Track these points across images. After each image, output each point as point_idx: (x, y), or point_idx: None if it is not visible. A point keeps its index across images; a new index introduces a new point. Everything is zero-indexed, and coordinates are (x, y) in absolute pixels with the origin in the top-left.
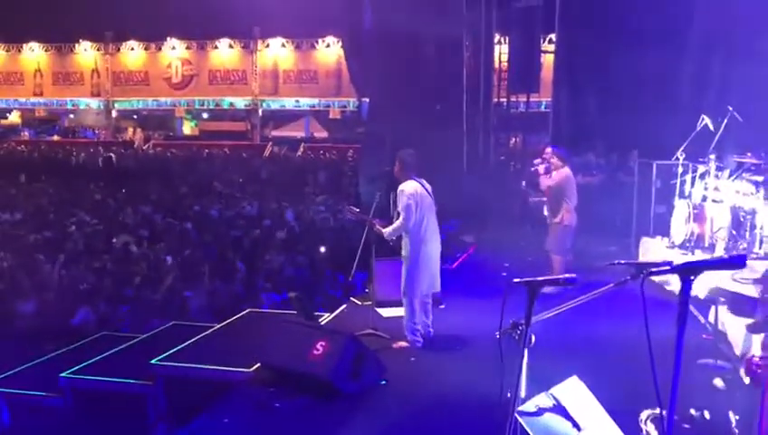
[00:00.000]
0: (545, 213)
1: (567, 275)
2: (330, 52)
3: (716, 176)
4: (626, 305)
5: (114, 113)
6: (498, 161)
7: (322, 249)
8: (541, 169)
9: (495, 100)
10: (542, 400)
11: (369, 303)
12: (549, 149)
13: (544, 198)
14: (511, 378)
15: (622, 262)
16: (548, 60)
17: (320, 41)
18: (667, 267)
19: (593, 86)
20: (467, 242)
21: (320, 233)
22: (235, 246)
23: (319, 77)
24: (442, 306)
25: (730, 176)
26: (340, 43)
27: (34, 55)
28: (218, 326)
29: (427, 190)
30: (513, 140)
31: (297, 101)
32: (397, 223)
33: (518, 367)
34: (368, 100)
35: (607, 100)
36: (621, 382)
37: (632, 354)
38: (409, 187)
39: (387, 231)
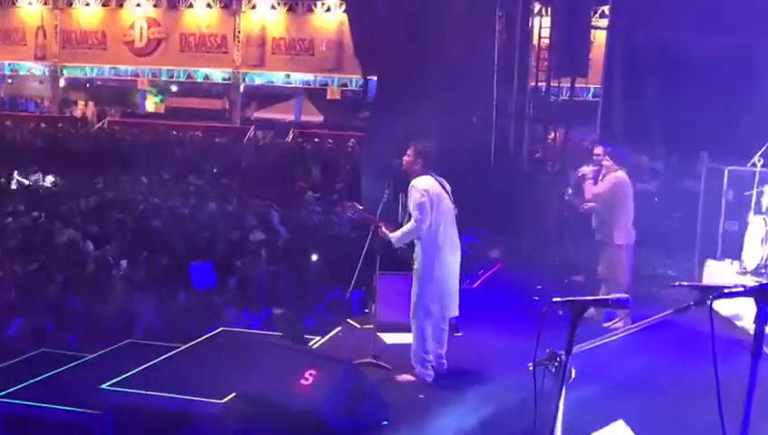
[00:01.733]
0: (594, 226)
1: (618, 296)
2: (330, 17)
3: None
4: (686, 338)
5: (62, 82)
6: (533, 160)
7: (314, 257)
8: (587, 171)
9: (533, 84)
10: None
11: (370, 326)
12: (600, 149)
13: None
14: (545, 420)
15: (684, 284)
16: (599, 37)
17: (318, 3)
18: (741, 289)
19: (654, 71)
20: (492, 258)
21: (311, 238)
22: (205, 250)
23: (315, 48)
24: (459, 334)
25: None
26: (344, 7)
27: None
28: (184, 347)
29: (446, 190)
30: (553, 134)
31: (287, 76)
32: (407, 226)
33: (554, 407)
34: (375, 78)
35: (671, 89)
36: (677, 429)
37: (691, 396)
38: (424, 182)
39: (395, 236)
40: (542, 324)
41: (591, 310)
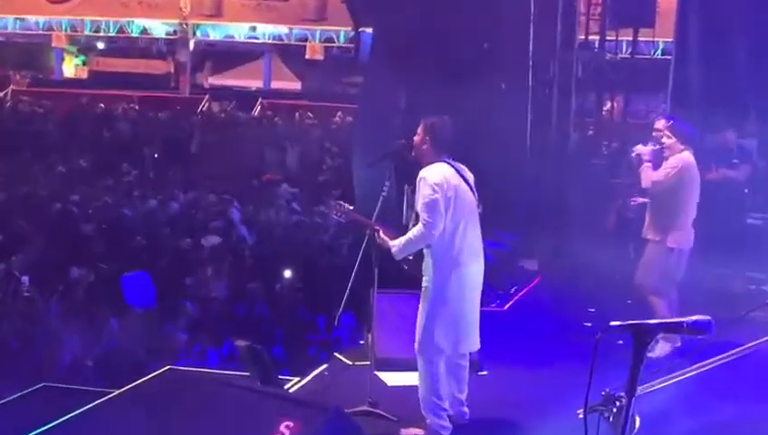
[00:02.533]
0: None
1: (696, 318)
2: None
3: None
4: None
5: None
6: (584, 139)
7: (288, 274)
8: (645, 152)
9: (582, 38)
10: None
11: (366, 362)
12: (662, 123)
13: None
14: None
15: None
16: None
17: None
18: None
19: (744, 19)
20: (528, 270)
21: (287, 246)
22: (144, 262)
23: None
24: (484, 373)
25: None
26: None
27: None
28: (117, 392)
29: (466, 181)
30: (609, 104)
31: (253, 30)
32: (413, 231)
33: None
34: (370, 30)
35: (766, 43)
36: None
37: None
38: (436, 172)
39: (397, 244)
40: (596, 356)
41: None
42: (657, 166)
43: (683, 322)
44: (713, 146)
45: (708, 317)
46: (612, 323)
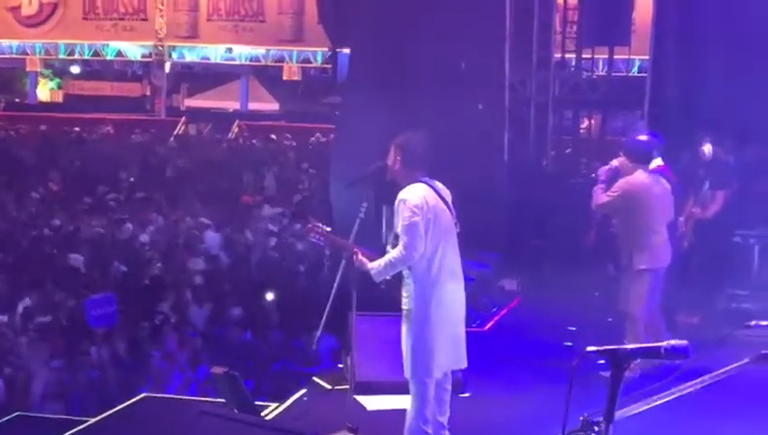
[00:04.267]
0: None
1: (673, 343)
2: None
3: None
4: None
5: None
6: (562, 157)
7: (270, 297)
8: (602, 171)
9: (558, 56)
10: None
11: (345, 386)
12: (642, 137)
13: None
14: None
15: (763, 323)
16: None
17: None
18: None
19: (720, 37)
20: (508, 290)
21: (265, 269)
22: (121, 287)
23: (267, 11)
24: (466, 395)
25: None
26: None
27: None
28: (93, 421)
29: (444, 201)
30: (587, 121)
31: (229, 51)
32: (393, 253)
33: None
34: (348, 51)
35: (742, 60)
36: None
37: None
38: (415, 194)
39: (376, 267)
40: (573, 381)
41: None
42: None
43: (660, 346)
44: (692, 162)
45: (685, 342)
46: (589, 349)
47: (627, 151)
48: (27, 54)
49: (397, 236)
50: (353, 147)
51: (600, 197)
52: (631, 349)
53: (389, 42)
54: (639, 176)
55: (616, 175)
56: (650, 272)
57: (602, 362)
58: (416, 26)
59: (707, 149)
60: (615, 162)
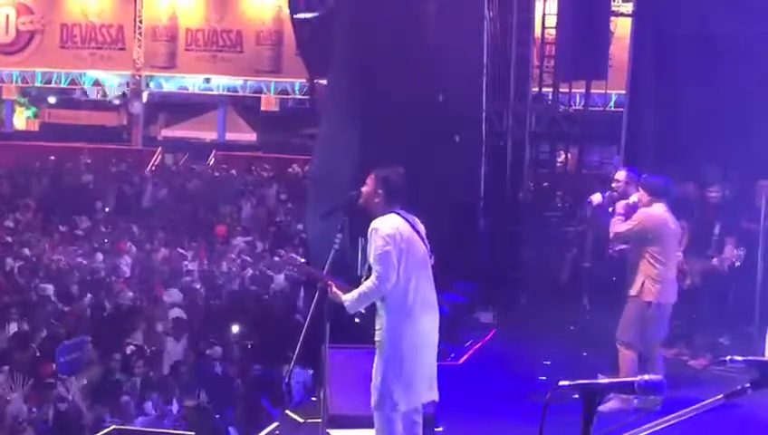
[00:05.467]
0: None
1: (646, 378)
2: (264, 2)
3: None
4: (744, 429)
5: None
6: (537, 190)
7: (235, 329)
8: (597, 200)
9: (535, 90)
10: None
11: (318, 419)
12: (623, 174)
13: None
14: None
15: (738, 359)
16: (622, 27)
17: None
18: None
19: (696, 71)
20: (483, 323)
21: (241, 300)
22: (90, 318)
23: (245, 42)
24: (439, 429)
25: None
26: None
27: None
28: None
29: (418, 233)
30: (564, 156)
31: (207, 81)
32: (366, 284)
33: None
34: (324, 82)
35: (718, 95)
36: None
37: None
38: (388, 224)
39: (350, 298)
40: (546, 417)
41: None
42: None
43: (633, 381)
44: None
45: (660, 377)
46: (561, 383)
47: (646, 187)
48: (3, 82)
49: (370, 267)
50: (328, 178)
51: (619, 226)
52: (604, 383)
53: (366, 74)
54: (659, 209)
55: (634, 210)
56: (660, 306)
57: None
58: (392, 58)
59: (717, 191)
60: (597, 198)
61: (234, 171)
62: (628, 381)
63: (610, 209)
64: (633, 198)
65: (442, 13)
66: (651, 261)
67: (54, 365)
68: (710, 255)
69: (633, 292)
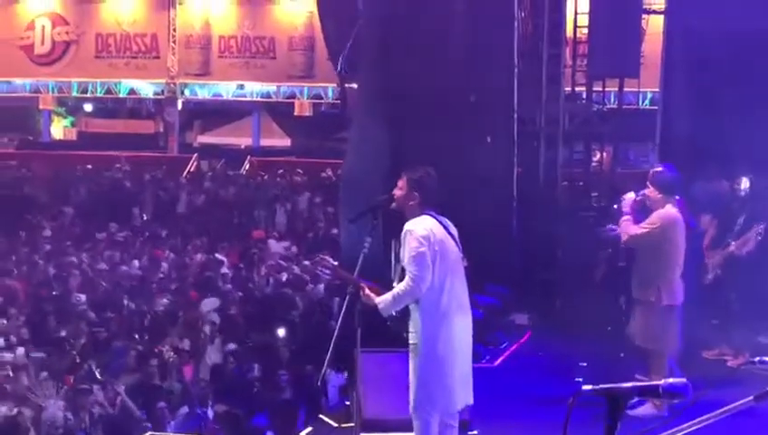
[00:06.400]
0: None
1: (672, 381)
2: (296, 7)
3: None
4: None
5: None
6: (572, 190)
7: (282, 334)
8: (626, 203)
9: (568, 89)
10: None
11: (352, 424)
12: (631, 196)
13: None
14: None
15: (766, 359)
16: (654, 24)
17: None
18: None
19: (730, 68)
20: (518, 324)
21: (276, 305)
22: (132, 326)
23: (277, 48)
24: (474, 433)
25: None
26: None
27: None
28: None
29: (451, 235)
30: (598, 154)
31: (241, 88)
32: (400, 287)
33: None
34: (355, 86)
35: (754, 90)
36: None
37: None
38: (421, 225)
39: (383, 301)
40: (569, 420)
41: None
42: (645, 216)
43: (658, 385)
44: (705, 195)
45: (684, 380)
46: (584, 388)
47: (655, 183)
48: (40, 93)
49: (404, 270)
50: (360, 181)
51: (632, 228)
52: (628, 388)
53: (394, 81)
54: (671, 210)
55: (641, 207)
56: (676, 308)
57: (634, 400)
58: (424, 59)
59: (744, 183)
60: (631, 196)
61: (268, 176)
62: (652, 384)
63: (615, 206)
64: (630, 195)
65: (472, 14)
66: (666, 265)
67: (92, 371)
68: (728, 242)
69: (650, 298)
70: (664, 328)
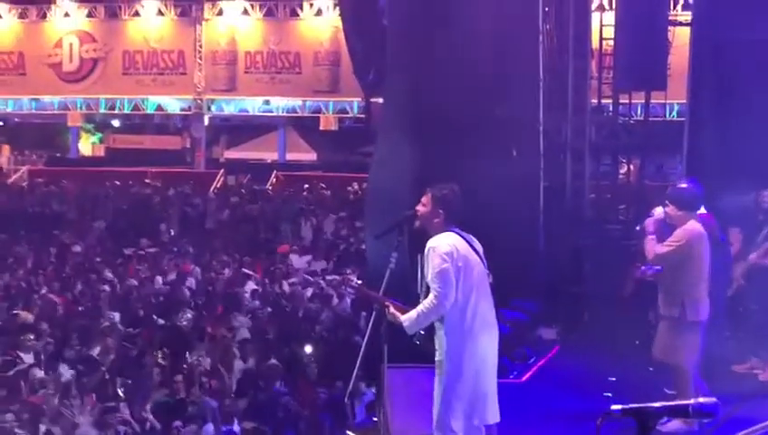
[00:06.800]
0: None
1: (702, 401)
2: (321, 23)
3: None
4: None
5: None
6: (599, 203)
7: (308, 349)
8: (650, 221)
9: (594, 101)
10: None
11: None
12: (660, 211)
13: None
14: None
15: None
16: (681, 36)
17: (305, 4)
18: None
19: (755, 80)
20: (546, 339)
21: (302, 320)
22: (161, 341)
23: (303, 63)
24: None
25: None
26: (338, 10)
27: None
28: None
29: (476, 251)
30: (626, 167)
31: (267, 103)
32: (424, 304)
33: None
34: (381, 101)
35: None
36: None
37: None
38: (445, 241)
39: (408, 318)
40: None
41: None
42: (669, 233)
43: (688, 405)
44: (733, 208)
45: (714, 399)
46: (614, 408)
47: (674, 200)
48: (69, 109)
49: (428, 287)
50: (385, 196)
51: (657, 247)
52: (657, 407)
53: (419, 95)
54: (695, 225)
55: (663, 225)
56: (700, 324)
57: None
58: (449, 72)
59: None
60: (660, 211)
61: (294, 191)
62: (681, 404)
63: (637, 228)
64: (659, 209)
65: (497, 28)
66: (691, 280)
67: (120, 388)
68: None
69: (674, 314)
70: (685, 343)
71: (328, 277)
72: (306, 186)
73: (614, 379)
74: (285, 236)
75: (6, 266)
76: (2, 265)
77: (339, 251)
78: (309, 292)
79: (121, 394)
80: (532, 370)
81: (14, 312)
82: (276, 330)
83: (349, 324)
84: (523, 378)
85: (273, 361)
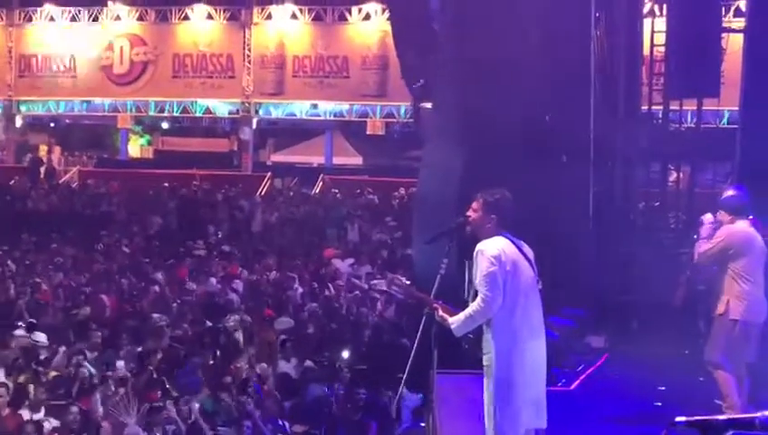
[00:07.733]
0: None
1: None
2: (369, 27)
3: None
4: None
5: (19, 121)
6: (649, 211)
7: (345, 354)
8: (704, 226)
9: (645, 108)
10: None
11: None
12: (732, 193)
13: None
14: None
15: None
16: (734, 44)
17: (353, 9)
18: None
19: None
20: (595, 347)
21: (348, 323)
22: (206, 342)
23: (351, 67)
24: None
25: None
26: (387, 14)
27: None
28: None
29: (526, 256)
30: (676, 174)
31: (314, 107)
32: (472, 306)
33: None
34: (429, 106)
35: None
36: None
37: None
38: (493, 245)
39: (456, 321)
40: None
41: None
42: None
43: (755, 417)
44: None
45: None
46: (678, 419)
47: (725, 207)
48: (119, 112)
49: (476, 291)
50: (433, 202)
51: (702, 246)
52: (723, 420)
53: (468, 101)
54: (741, 225)
55: (715, 230)
56: (745, 324)
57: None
58: (500, 79)
59: None
60: (709, 217)
61: (340, 195)
62: (747, 417)
63: (694, 236)
64: (708, 216)
65: (548, 34)
66: (736, 278)
67: (165, 388)
68: None
69: (719, 311)
70: (728, 342)
71: (372, 281)
72: (358, 191)
73: (663, 388)
74: (332, 239)
75: (59, 266)
76: (54, 265)
77: (384, 255)
78: (356, 294)
79: (169, 393)
80: (581, 378)
81: (74, 312)
82: (322, 332)
83: (394, 329)
84: (572, 386)
85: (319, 364)
